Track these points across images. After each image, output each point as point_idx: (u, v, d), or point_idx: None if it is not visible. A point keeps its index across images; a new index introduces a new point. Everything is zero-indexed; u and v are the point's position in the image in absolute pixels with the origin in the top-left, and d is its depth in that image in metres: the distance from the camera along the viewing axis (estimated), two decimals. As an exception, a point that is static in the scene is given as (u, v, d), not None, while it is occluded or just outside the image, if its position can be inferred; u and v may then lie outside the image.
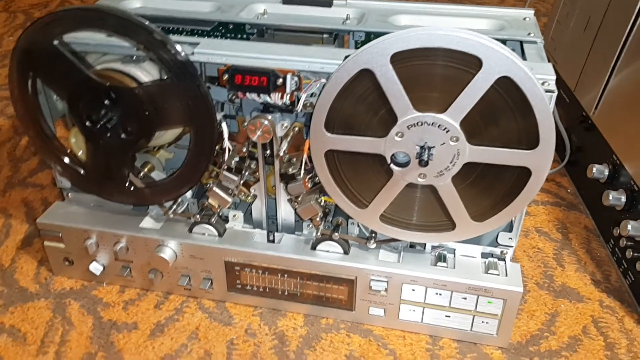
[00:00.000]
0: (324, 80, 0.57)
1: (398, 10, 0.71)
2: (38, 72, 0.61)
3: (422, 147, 0.54)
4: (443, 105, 0.53)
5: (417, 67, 0.52)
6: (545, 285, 0.73)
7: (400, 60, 0.51)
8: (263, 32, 0.70)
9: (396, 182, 0.57)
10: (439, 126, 0.53)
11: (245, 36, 0.72)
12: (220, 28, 0.72)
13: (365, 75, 0.52)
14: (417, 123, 0.53)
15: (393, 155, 0.56)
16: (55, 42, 0.58)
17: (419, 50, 0.51)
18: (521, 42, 0.64)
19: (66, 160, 0.66)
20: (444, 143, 0.54)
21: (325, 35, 0.69)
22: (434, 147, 0.54)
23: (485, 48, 0.49)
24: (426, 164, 0.53)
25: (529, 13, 0.70)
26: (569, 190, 0.92)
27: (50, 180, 0.92)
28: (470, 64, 0.50)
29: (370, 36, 0.69)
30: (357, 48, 0.68)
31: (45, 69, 0.60)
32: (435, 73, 0.52)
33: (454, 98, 0.52)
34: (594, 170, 0.80)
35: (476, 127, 0.53)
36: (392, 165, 0.56)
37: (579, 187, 0.92)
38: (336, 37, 0.69)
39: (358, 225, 0.66)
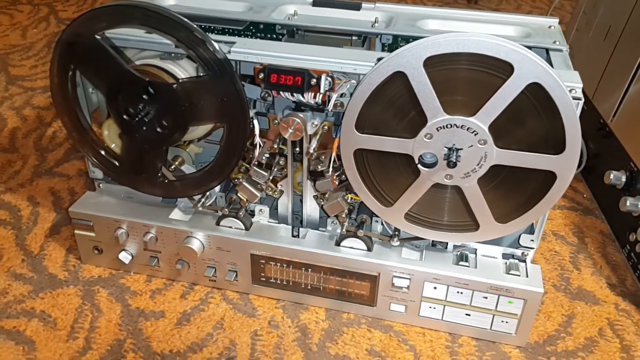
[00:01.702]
0: (354, 82, 0.59)
1: (426, 15, 0.72)
2: (79, 65, 0.63)
3: (450, 149, 0.56)
4: (472, 109, 0.54)
5: (449, 71, 0.54)
6: (562, 287, 0.75)
7: (432, 64, 0.53)
8: (293, 33, 0.72)
9: (422, 182, 0.59)
10: (467, 129, 0.55)
11: (275, 36, 0.74)
12: (251, 28, 0.74)
13: (398, 78, 0.54)
14: (447, 125, 0.55)
15: (421, 155, 0.58)
16: (98, 37, 0.60)
17: (452, 54, 0.52)
18: (547, 50, 0.65)
19: (101, 151, 0.68)
20: (471, 145, 0.56)
21: (354, 38, 0.71)
22: (461, 149, 0.56)
23: (517, 54, 0.51)
24: (454, 165, 0.55)
25: (554, 21, 0.72)
26: (585, 196, 0.93)
27: (76, 170, 0.94)
28: (502, 69, 0.52)
29: (397, 39, 0.71)
30: (384, 51, 0.71)
31: (86, 62, 0.62)
32: (466, 77, 0.54)
33: (483, 102, 0.54)
34: (611, 176, 0.81)
35: (504, 130, 0.55)
36: (419, 166, 0.58)
37: (595, 192, 0.94)
38: (365, 40, 0.71)
39: (382, 223, 0.68)
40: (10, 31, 1.47)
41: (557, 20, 0.71)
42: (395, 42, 0.70)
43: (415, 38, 0.67)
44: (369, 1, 0.74)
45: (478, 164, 0.57)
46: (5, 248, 0.79)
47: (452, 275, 0.63)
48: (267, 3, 0.75)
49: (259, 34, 0.74)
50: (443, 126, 0.55)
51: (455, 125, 0.55)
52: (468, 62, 0.53)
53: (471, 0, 1.67)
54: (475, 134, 0.55)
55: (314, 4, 0.75)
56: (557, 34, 0.69)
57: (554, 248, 0.81)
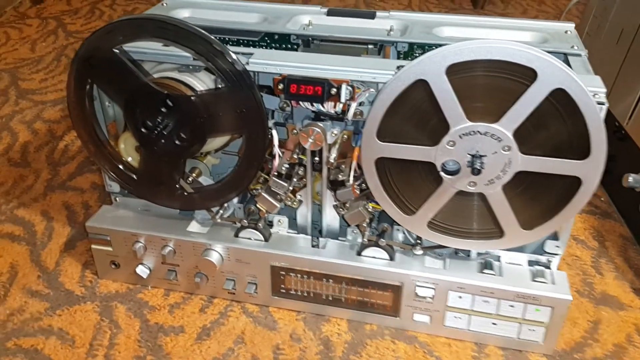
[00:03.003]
0: (373, 90, 0.59)
1: (441, 22, 0.72)
2: (97, 79, 0.63)
3: (473, 156, 0.56)
4: (495, 115, 0.54)
5: (471, 78, 0.53)
6: (585, 292, 0.74)
7: (455, 71, 0.53)
8: (309, 43, 0.72)
9: (445, 189, 0.58)
10: (491, 135, 0.54)
11: (290, 46, 0.74)
12: (266, 38, 0.74)
13: (419, 86, 0.54)
14: (470, 132, 0.55)
15: (443, 163, 0.57)
16: (116, 50, 0.60)
17: (474, 61, 0.52)
18: (566, 55, 0.65)
19: (119, 165, 0.67)
20: (495, 152, 0.55)
21: (370, 46, 0.70)
22: (485, 155, 0.55)
23: (541, 61, 0.50)
24: (479, 172, 0.55)
25: (570, 26, 0.72)
26: (602, 199, 0.92)
27: (90, 184, 0.94)
28: (525, 75, 0.52)
29: (413, 47, 0.70)
30: (400, 58, 0.71)
31: (104, 76, 0.62)
32: (489, 83, 0.53)
33: (506, 108, 0.53)
34: (630, 179, 0.80)
35: (528, 136, 0.54)
36: (442, 173, 0.58)
37: (613, 195, 0.93)
38: (381, 48, 0.71)
39: (403, 232, 0.67)
40: (20, 45, 1.47)
41: (573, 25, 0.71)
42: (411, 50, 0.70)
43: (431, 45, 0.67)
44: (383, 9, 0.74)
45: (502, 171, 0.56)
46: (20, 264, 0.78)
47: (478, 284, 0.62)
48: (281, 14, 0.75)
49: (274, 45, 0.74)
50: (466, 133, 0.55)
51: (479, 132, 0.54)
52: (491, 69, 0.52)
53: (477, 5, 1.68)
54: (499, 141, 0.54)
55: (328, 14, 0.75)
56: (574, 38, 0.69)
57: (575, 253, 0.80)
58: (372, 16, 0.73)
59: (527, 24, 0.72)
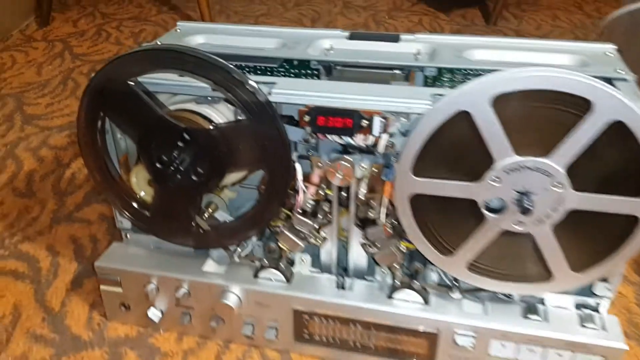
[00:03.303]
0: (404, 120, 0.55)
1: (471, 45, 0.68)
2: (110, 112, 0.59)
3: (521, 193, 0.51)
4: (545, 149, 0.49)
5: (519, 109, 0.49)
6: (632, 334, 0.68)
7: (500, 102, 0.48)
8: (331, 69, 0.67)
9: (488, 229, 0.53)
10: (541, 171, 0.49)
11: (310, 72, 0.69)
12: (284, 64, 0.70)
13: (461, 117, 0.49)
14: (517, 167, 0.50)
15: (486, 200, 0.52)
16: (131, 82, 0.56)
17: (522, 92, 0.47)
18: (610, 80, 0.60)
19: (132, 202, 0.63)
20: (545, 189, 0.50)
21: (396, 72, 0.66)
22: (534, 193, 0.51)
23: (597, 91, 0.46)
24: (528, 211, 0.50)
25: (609, 47, 0.67)
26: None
27: (97, 215, 0.90)
28: (578, 106, 0.47)
29: (442, 71, 0.66)
30: (427, 85, 0.66)
31: (118, 109, 0.58)
32: (538, 115, 0.49)
33: (558, 141, 0.48)
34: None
35: (581, 171, 0.49)
36: (485, 211, 0.53)
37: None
38: (408, 74, 0.67)
39: (438, 272, 0.62)
40: (26, 69, 1.44)
41: (614, 47, 0.67)
42: (440, 75, 0.66)
43: (464, 70, 0.63)
44: (393, 27, 0.70)
45: (553, 209, 0.51)
46: (24, 305, 0.73)
47: (523, 331, 0.57)
48: (300, 38, 0.71)
49: (292, 71, 0.70)
50: (513, 168, 0.50)
51: (528, 167, 0.50)
52: (540, 99, 0.48)
53: (490, 21, 1.64)
54: (549, 176, 0.50)
55: (351, 38, 0.70)
56: (617, 61, 0.64)
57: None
58: (396, 39, 0.69)
59: (562, 45, 0.68)
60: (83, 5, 1.93)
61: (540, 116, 0.49)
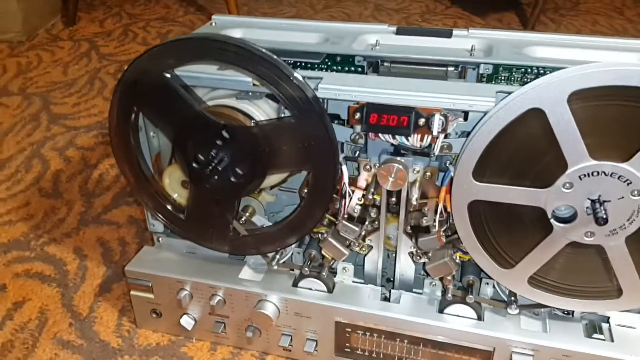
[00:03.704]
0: (461, 120, 0.50)
1: (529, 42, 0.63)
2: (144, 107, 0.55)
3: (594, 201, 0.46)
4: (625, 153, 0.44)
5: (597, 108, 0.44)
6: (703, 359, 0.62)
7: (577, 99, 0.44)
8: (378, 65, 0.63)
9: (555, 240, 0.49)
10: (619, 177, 0.45)
11: (354, 69, 0.65)
12: (327, 60, 0.66)
13: (532, 116, 0.45)
14: (592, 173, 0.45)
15: (555, 209, 0.48)
16: (167, 75, 0.52)
17: (604, 88, 0.43)
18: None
19: (165, 204, 0.59)
20: (622, 197, 0.46)
21: (450, 69, 0.62)
22: (609, 201, 0.46)
23: (691, 87, 0.41)
24: (605, 221, 0.45)
25: (678, 45, 0.62)
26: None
27: (126, 218, 0.87)
28: (665, 105, 0.43)
29: (498, 69, 0.61)
30: (481, 82, 0.62)
31: (152, 103, 0.54)
32: (618, 115, 0.44)
33: (639, 145, 0.44)
34: None
35: (663, 178, 0.45)
36: (553, 221, 0.48)
37: None
38: (463, 71, 0.62)
39: (493, 286, 0.57)
40: (52, 68, 1.43)
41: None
42: (496, 72, 0.61)
43: (525, 67, 0.58)
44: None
45: (629, 220, 0.46)
46: (50, 310, 0.70)
47: (587, 351, 0.52)
48: (343, 33, 0.67)
49: (335, 67, 0.66)
50: (588, 174, 0.45)
51: (604, 172, 0.45)
52: (622, 97, 0.43)
53: (527, 26, 1.59)
54: (628, 184, 0.45)
55: (398, 33, 0.66)
56: (690, 59, 0.59)
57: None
58: (448, 35, 0.65)
59: (628, 43, 0.62)
60: (109, 5, 1.92)
61: (621, 116, 0.44)
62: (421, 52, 0.62)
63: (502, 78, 0.60)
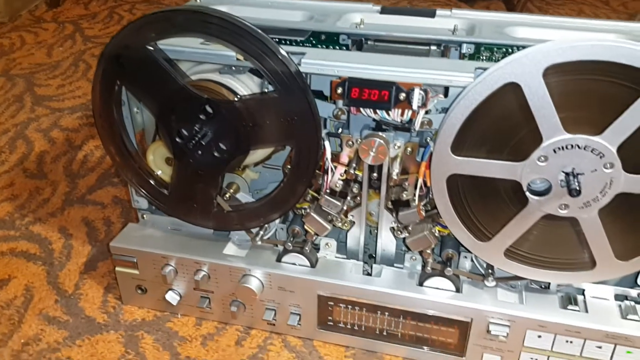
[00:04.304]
0: (442, 96, 0.51)
1: (511, 22, 0.64)
2: (126, 81, 0.56)
3: (568, 174, 0.47)
4: (598, 127, 0.46)
5: (571, 83, 0.45)
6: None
7: (552, 74, 0.45)
8: (362, 43, 0.64)
9: (531, 212, 0.50)
10: (592, 150, 0.46)
11: (339, 47, 0.66)
12: (311, 38, 0.66)
13: (509, 90, 0.46)
14: (566, 146, 0.46)
15: (530, 182, 0.49)
16: (149, 47, 0.53)
17: (579, 63, 0.44)
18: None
19: (149, 179, 0.60)
20: (595, 170, 0.47)
21: (433, 47, 0.62)
22: (583, 173, 0.47)
23: (661, 62, 0.42)
24: (578, 193, 0.46)
25: (657, 27, 0.63)
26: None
27: (111, 198, 0.87)
28: (637, 80, 0.44)
29: (480, 49, 0.62)
30: (463, 60, 0.63)
31: (135, 77, 0.54)
32: (592, 90, 0.45)
33: (612, 119, 0.45)
34: None
35: (634, 152, 0.46)
36: (528, 194, 0.49)
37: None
38: (445, 50, 0.63)
39: (471, 259, 0.59)
40: (35, 50, 1.41)
41: (661, 25, 0.63)
42: (478, 52, 0.62)
43: (505, 46, 0.59)
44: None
45: (601, 192, 0.48)
46: (36, 287, 0.71)
47: (562, 322, 0.54)
48: (328, 11, 0.68)
49: (320, 45, 0.67)
50: (562, 147, 0.46)
51: (577, 145, 0.46)
52: (596, 72, 0.44)
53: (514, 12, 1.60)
54: (600, 157, 0.46)
55: (382, 12, 0.67)
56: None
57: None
58: (432, 14, 0.66)
59: (610, 25, 0.63)
60: (94, -13, 1.89)
61: (595, 91, 0.45)
62: (404, 31, 0.63)
63: (484, 57, 0.61)
